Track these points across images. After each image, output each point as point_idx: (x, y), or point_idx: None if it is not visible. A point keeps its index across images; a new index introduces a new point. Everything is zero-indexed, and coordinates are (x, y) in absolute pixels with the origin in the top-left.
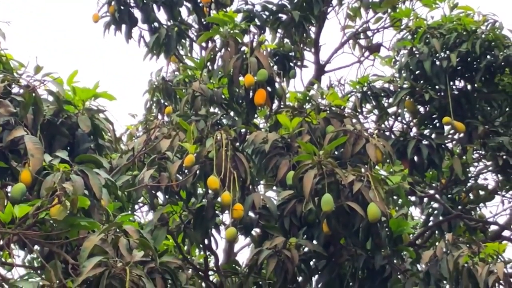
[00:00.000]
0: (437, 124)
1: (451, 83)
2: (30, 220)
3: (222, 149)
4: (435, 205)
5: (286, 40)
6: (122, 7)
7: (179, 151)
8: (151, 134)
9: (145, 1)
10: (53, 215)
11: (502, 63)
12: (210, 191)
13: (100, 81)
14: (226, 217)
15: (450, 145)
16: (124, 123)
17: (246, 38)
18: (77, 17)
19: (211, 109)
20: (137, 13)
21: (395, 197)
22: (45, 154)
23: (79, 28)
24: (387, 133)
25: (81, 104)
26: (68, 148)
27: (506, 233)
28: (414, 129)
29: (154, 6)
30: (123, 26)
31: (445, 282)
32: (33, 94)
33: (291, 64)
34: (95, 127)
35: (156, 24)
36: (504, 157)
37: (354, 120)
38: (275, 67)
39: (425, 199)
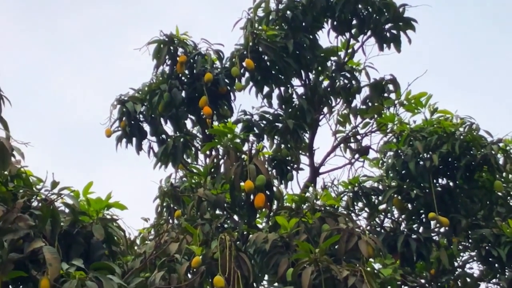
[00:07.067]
0: (424, 219)
1: (435, 181)
2: None
3: (226, 250)
4: None
5: (283, 145)
6: (132, 122)
7: (187, 253)
8: (160, 238)
9: (153, 115)
10: None
11: (480, 161)
12: None
13: (113, 191)
14: None
15: (436, 238)
16: (137, 227)
17: (246, 147)
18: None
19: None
20: (146, 127)
21: None
22: (62, 263)
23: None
24: (378, 229)
25: (95, 214)
26: (84, 255)
27: None
28: (403, 224)
29: (162, 120)
30: (134, 139)
31: None
32: (51, 207)
33: (288, 168)
34: (109, 235)
35: (163, 136)
36: (487, 247)
37: (347, 219)
38: (274, 171)
39: None
